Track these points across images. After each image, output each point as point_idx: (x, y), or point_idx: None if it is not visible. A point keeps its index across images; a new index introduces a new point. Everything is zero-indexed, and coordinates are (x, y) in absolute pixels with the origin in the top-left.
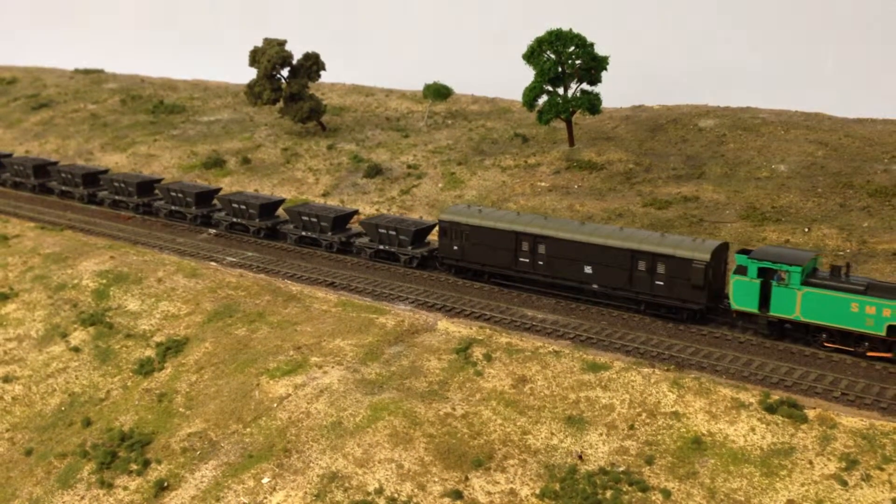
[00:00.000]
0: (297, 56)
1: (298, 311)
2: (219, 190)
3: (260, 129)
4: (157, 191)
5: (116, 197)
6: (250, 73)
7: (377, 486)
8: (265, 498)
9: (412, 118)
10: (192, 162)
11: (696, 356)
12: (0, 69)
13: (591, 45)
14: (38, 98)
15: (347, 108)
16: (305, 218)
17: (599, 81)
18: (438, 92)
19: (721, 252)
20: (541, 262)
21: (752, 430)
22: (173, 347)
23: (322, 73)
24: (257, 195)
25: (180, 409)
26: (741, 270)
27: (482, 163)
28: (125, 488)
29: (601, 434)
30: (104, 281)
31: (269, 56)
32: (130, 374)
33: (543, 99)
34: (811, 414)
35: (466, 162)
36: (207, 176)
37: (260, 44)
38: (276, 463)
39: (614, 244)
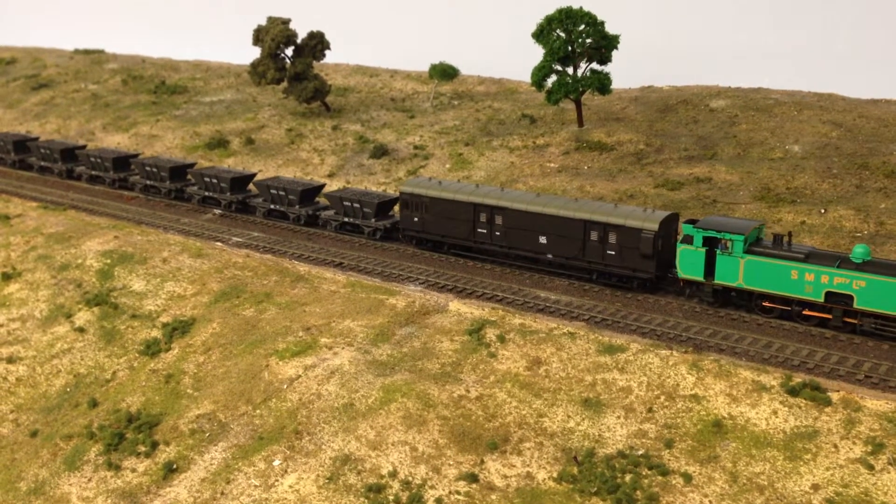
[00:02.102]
0: (301, 35)
1: (306, 291)
2: (193, 165)
3: (263, 109)
4: (132, 166)
5: (93, 172)
6: (252, 54)
7: (391, 468)
8: (277, 480)
9: (417, 99)
10: (196, 142)
11: (715, 338)
12: None
13: (602, 23)
14: (38, 78)
15: (352, 89)
16: (274, 192)
17: (609, 61)
18: (445, 72)
19: (671, 222)
20: (498, 233)
21: (775, 413)
22: (180, 328)
23: (327, 52)
24: (229, 170)
25: (188, 391)
26: (687, 239)
27: (490, 143)
28: (133, 470)
29: (619, 417)
30: (108, 261)
31: (273, 35)
32: (137, 354)
33: (552, 79)
34: (835, 397)
35: (474, 143)
36: (211, 156)
37: (260, 23)
38: (286, 445)
39: (567, 214)
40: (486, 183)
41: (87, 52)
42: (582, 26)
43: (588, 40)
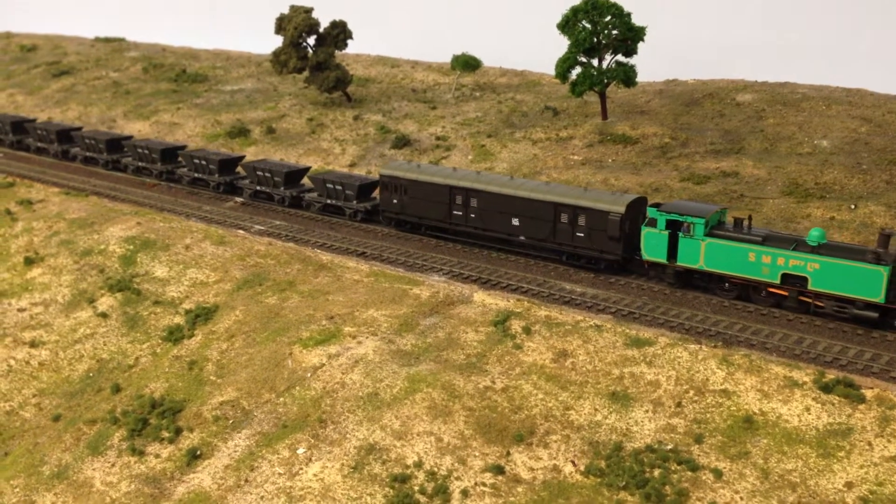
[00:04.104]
0: (323, 24)
1: (329, 280)
2: (183, 147)
3: (284, 98)
4: (125, 148)
5: (88, 153)
6: (272, 44)
7: (416, 459)
8: (301, 468)
9: (439, 90)
10: (217, 131)
11: (745, 333)
12: (20, 36)
13: (628, 15)
14: (59, 65)
15: (373, 80)
16: (260, 173)
17: (635, 53)
18: (467, 63)
19: (638, 206)
20: (473, 215)
21: (807, 409)
22: (203, 315)
23: (349, 41)
24: (218, 152)
25: (211, 377)
26: (651, 223)
27: (512, 135)
28: (157, 456)
29: (647, 411)
30: (131, 247)
31: (296, 23)
32: (159, 340)
33: (577, 70)
34: (869, 394)
35: (496, 134)
36: (232, 145)
37: (283, 11)
38: (311, 434)
39: (539, 197)
40: (510, 174)
41: (107, 39)
42: (608, 17)
43: (614, 32)
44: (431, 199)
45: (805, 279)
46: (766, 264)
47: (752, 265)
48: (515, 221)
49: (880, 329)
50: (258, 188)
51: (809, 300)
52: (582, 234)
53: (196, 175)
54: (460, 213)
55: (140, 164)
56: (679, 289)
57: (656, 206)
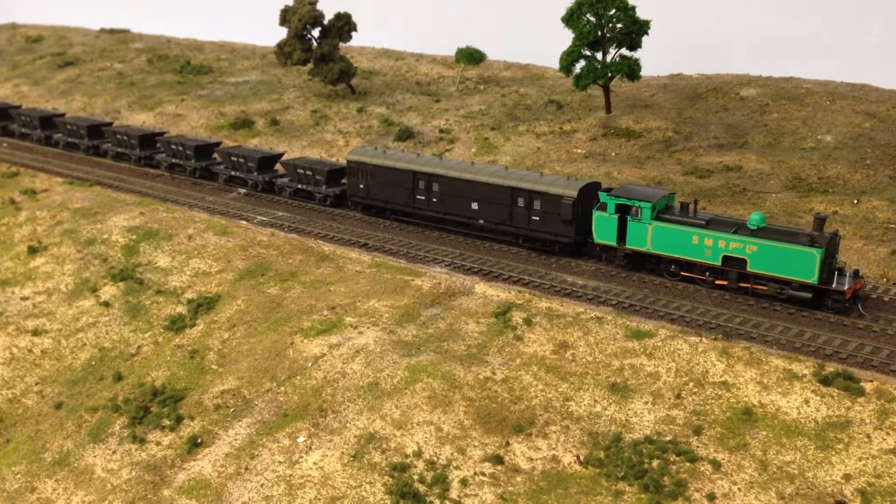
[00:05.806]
0: (328, 16)
1: (331, 271)
2: (162, 133)
3: (288, 90)
4: (106, 134)
5: (69, 139)
6: (276, 37)
7: (416, 448)
8: (301, 457)
9: (443, 83)
10: (221, 122)
11: (745, 326)
12: (26, 27)
13: (633, 8)
14: (64, 56)
15: (377, 72)
16: (234, 159)
17: (640, 46)
18: (472, 56)
19: (591, 190)
20: (434, 200)
21: (806, 402)
22: (205, 304)
23: (353, 33)
24: (195, 138)
25: (213, 366)
26: (602, 207)
27: (516, 128)
28: (158, 444)
29: (646, 402)
30: (134, 237)
31: (301, 15)
32: (161, 330)
33: (581, 64)
34: (868, 387)
35: (500, 127)
36: (236, 136)
37: (281, 4)
38: (311, 422)
39: (496, 182)
40: (512, 167)
41: (112, 31)
42: (613, 11)
43: (619, 25)
44: (395, 184)
45: (744, 261)
46: (708, 247)
47: (696, 248)
48: (475, 205)
49: (814, 309)
50: (233, 173)
51: (748, 282)
52: (537, 218)
53: (173, 160)
54: (423, 198)
55: (119, 149)
56: (629, 271)
57: (607, 190)
